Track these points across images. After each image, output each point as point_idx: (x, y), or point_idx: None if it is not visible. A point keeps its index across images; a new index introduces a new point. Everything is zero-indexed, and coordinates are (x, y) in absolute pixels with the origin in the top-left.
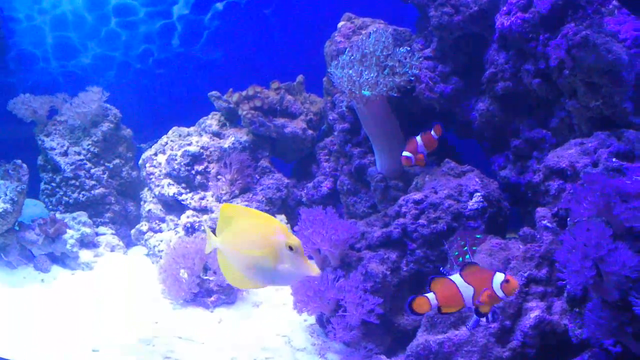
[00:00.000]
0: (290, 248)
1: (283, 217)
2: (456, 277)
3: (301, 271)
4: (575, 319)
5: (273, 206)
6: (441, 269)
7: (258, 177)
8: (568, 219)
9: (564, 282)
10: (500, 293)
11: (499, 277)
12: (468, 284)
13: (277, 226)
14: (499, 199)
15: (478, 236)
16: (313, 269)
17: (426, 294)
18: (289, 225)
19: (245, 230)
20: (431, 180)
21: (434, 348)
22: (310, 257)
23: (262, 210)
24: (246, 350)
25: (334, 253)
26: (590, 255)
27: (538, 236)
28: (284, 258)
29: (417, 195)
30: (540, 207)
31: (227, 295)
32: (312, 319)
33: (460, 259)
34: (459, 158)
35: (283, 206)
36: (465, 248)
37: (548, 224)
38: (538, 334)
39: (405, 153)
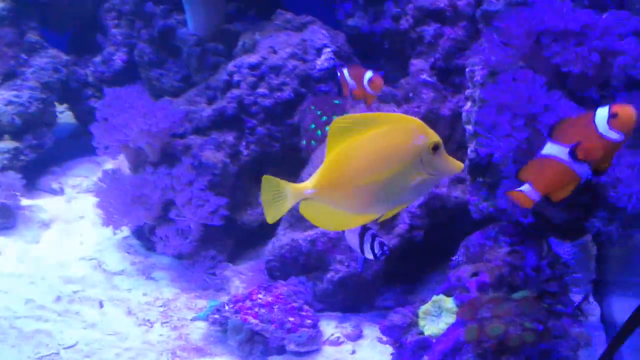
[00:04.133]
0: (435, 148)
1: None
2: (551, 148)
3: (448, 172)
4: (479, 190)
5: (51, 93)
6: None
7: (26, 57)
8: (468, 70)
9: (487, 150)
10: (614, 136)
11: (602, 113)
12: (567, 145)
13: (413, 126)
14: (351, 55)
15: (336, 102)
16: (458, 165)
17: (519, 188)
18: None
19: (366, 148)
20: (264, 37)
21: (304, 247)
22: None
23: (38, 99)
24: (43, 287)
25: (153, 145)
26: (521, 113)
27: (412, 95)
28: (424, 165)
29: (253, 58)
30: (414, 59)
31: (4, 217)
32: (125, 232)
33: (319, 132)
34: (293, 7)
35: (64, 90)
36: (325, 118)
37: (428, 79)
38: (426, 213)
39: None
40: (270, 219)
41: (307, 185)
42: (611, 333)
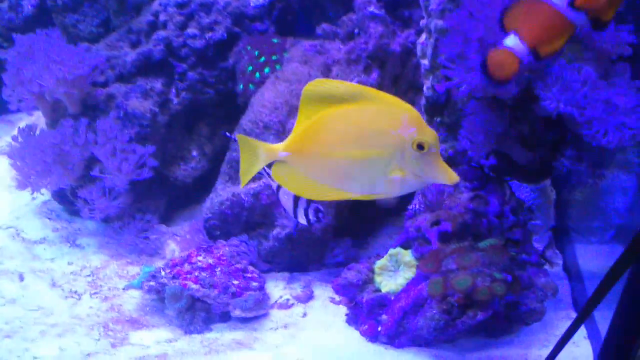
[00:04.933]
0: (420, 146)
1: None
2: None
3: (436, 179)
4: (437, 131)
5: None
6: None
7: None
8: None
9: (453, 84)
10: None
11: None
12: None
13: (405, 115)
14: None
15: (275, 40)
16: (451, 176)
17: (504, 42)
18: None
19: (348, 121)
20: None
21: (246, 202)
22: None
23: None
24: None
25: (72, 95)
26: (492, 40)
27: (358, 31)
28: (405, 161)
29: None
30: None
31: None
32: (45, 195)
33: (257, 74)
34: None
35: None
36: (263, 59)
37: (376, 11)
38: None
39: None
40: (244, 180)
41: (280, 147)
42: (575, 282)
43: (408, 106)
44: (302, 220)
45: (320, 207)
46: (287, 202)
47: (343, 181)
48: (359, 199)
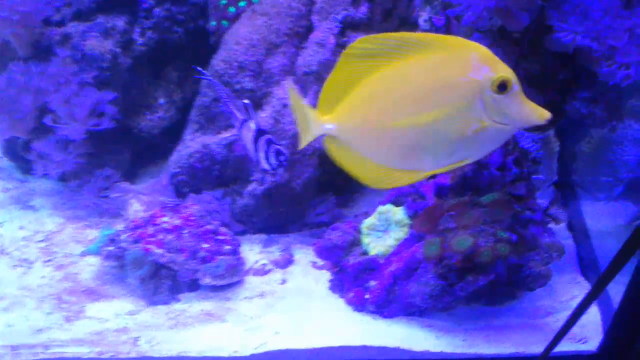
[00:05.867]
0: (502, 86)
1: None
2: None
3: (525, 122)
4: None
5: None
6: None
7: None
8: None
9: (458, 12)
10: None
11: None
12: None
13: (473, 55)
14: None
15: None
16: (541, 113)
17: None
18: None
19: (407, 80)
20: None
21: (218, 154)
22: None
23: None
24: None
25: (21, 36)
26: None
27: None
28: (486, 108)
29: None
30: None
31: None
32: None
33: (232, 8)
34: None
35: None
36: None
37: None
38: None
39: None
40: (301, 144)
41: (326, 118)
42: (581, 242)
43: (473, 43)
44: (265, 164)
45: (282, 150)
46: (248, 145)
47: (409, 156)
48: (436, 173)
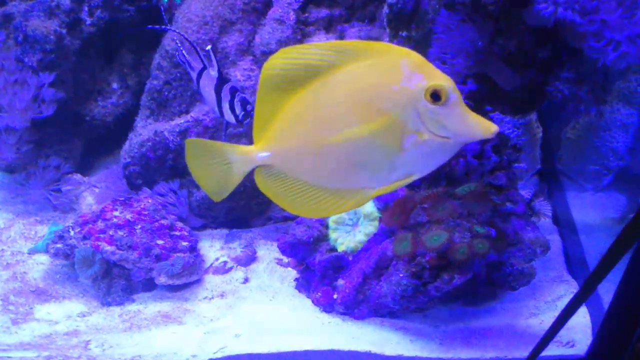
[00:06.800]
0: (435, 96)
1: None
2: None
3: (467, 135)
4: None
5: None
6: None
7: None
8: None
9: None
10: None
11: None
12: None
13: (403, 61)
14: None
15: None
16: (486, 126)
17: None
18: None
19: (336, 93)
20: None
21: (172, 142)
22: None
23: None
24: None
25: None
26: None
27: None
28: (422, 119)
29: None
30: None
31: None
32: None
33: None
34: None
35: None
36: None
37: None
38: None
39: None
40: (216, 197)
41: (257, 147)
42: (567, 237)
43: (403, 49)
44: (230, 117)
45: (248, 99)
46: (209, 96)
47: (352, 173)
48: (383, 193)
